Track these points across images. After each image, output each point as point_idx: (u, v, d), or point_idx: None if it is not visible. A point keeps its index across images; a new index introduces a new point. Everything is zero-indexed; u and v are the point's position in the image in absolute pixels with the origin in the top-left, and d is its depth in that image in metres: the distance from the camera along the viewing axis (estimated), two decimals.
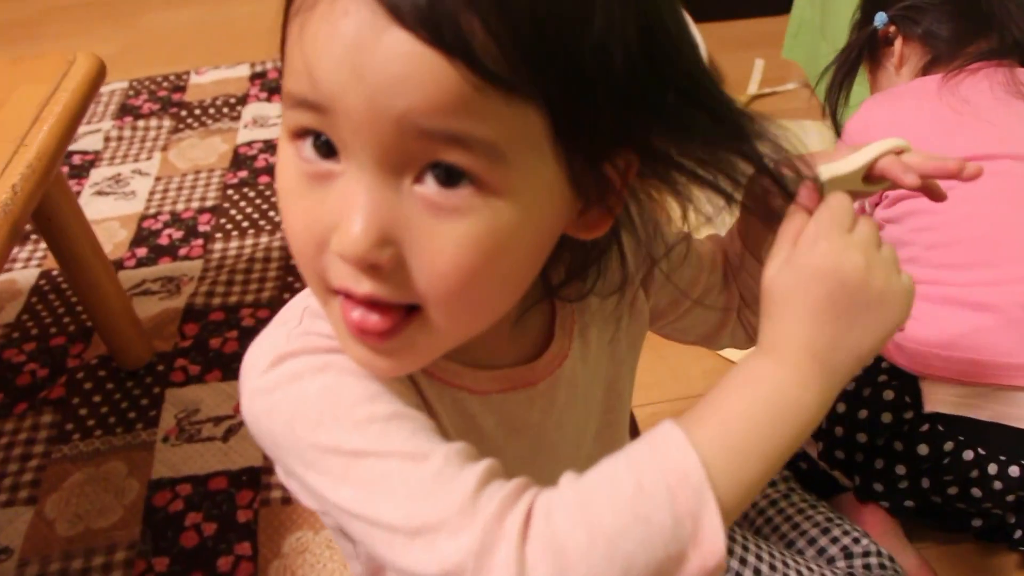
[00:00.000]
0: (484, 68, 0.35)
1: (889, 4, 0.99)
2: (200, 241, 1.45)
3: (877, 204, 0.94)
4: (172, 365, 1.22)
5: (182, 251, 1.43)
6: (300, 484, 0.44)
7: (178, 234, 1.47)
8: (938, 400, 0.84)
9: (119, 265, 1.41)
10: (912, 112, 0.92)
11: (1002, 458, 0.82)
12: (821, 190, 0.45)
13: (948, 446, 0.83)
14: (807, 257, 0.42)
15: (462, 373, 0.50)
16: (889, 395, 0.87)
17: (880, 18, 0.99)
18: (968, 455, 0.83)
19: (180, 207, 1.53)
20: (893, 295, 0.42)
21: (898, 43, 0.99)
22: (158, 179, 1.61)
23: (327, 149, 0.38)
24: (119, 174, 1.64)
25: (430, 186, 0.37)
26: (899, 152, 0.50)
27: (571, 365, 0.55)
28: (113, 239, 1.47)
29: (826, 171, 0.47)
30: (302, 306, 0.47)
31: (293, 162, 0.40)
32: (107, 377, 1.21)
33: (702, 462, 0.38)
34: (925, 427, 0.84)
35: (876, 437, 0.87)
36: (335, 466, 0.41)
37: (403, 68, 0.35)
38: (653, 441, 0.40)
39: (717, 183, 0.43)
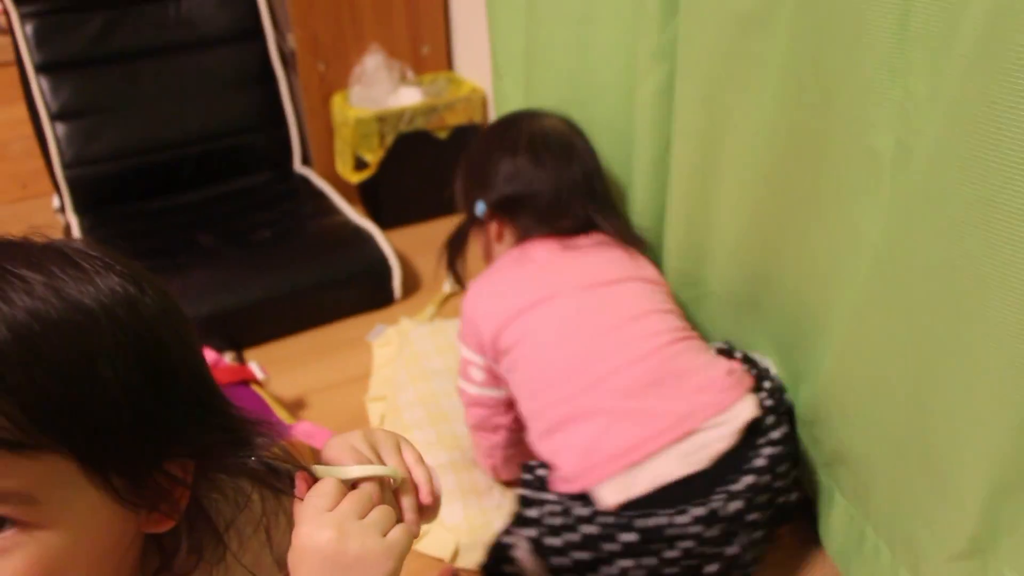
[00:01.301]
0: (2, 439, 0.41)
1: (487, 196, 1.23)
2: None
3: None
4: None
5: None
6: None
7: None
8: (607, 498, 0.95)
9: None
10: (497, 284, 1.17)
11: (682, 509, 0.93)
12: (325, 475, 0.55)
13: (628, 537, 0.93)
14: (297, 538, 0.52)
15: None
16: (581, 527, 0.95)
17: (480, 207, 1.23)
18: (660, 520, 0.93)
19: None
20: (369, 554, 0.51)
21: (495, 224, 1.24)
22: None
23: None
24: None
25: None
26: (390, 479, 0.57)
27: None
28: None
29: (323, 469, 0.56)
30: None
31: None
32: None
33: None
34: (610, 521, 0.94)
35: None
36: None
37: None
38: None
39: (263, 478, 0.53)
